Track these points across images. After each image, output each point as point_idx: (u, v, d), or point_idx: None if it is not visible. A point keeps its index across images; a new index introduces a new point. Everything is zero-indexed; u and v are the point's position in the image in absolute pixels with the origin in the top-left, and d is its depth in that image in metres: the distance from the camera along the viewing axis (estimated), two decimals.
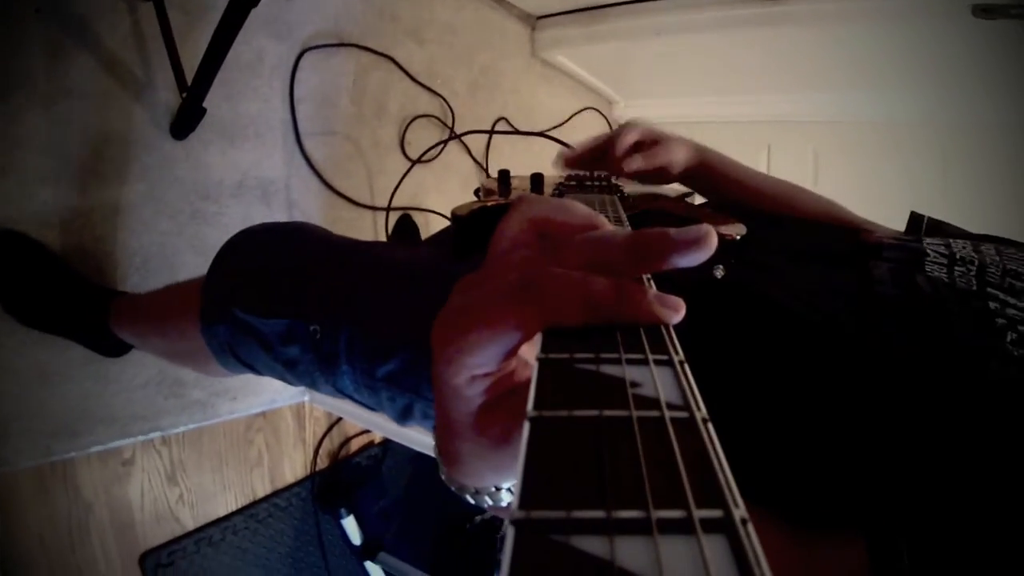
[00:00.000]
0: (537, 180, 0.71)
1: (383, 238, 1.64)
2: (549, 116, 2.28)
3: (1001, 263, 0.47)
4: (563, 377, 0.20)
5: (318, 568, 1.46)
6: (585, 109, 2.46)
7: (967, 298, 0.43)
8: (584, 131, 2.47)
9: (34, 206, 1.00)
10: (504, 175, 0.69)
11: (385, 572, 1.43)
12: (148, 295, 1.04)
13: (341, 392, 0.67)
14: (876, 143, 2.04)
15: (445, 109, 1.82)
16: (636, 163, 0.70)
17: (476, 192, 0.72)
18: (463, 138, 1.88)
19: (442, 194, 1.83)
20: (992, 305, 0.41)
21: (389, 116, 1.66)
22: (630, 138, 0.72)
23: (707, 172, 0.76)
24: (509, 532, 0.14)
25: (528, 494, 0.15)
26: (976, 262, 0.47)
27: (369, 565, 1.43)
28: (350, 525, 1.41)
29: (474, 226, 0.63)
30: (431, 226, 1.79)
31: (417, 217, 1.74)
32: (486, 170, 1.98)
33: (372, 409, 0.68)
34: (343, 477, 1.51)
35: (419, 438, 1.12)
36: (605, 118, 2.59)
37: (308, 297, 0.67)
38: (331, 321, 0.64)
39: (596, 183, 0.72)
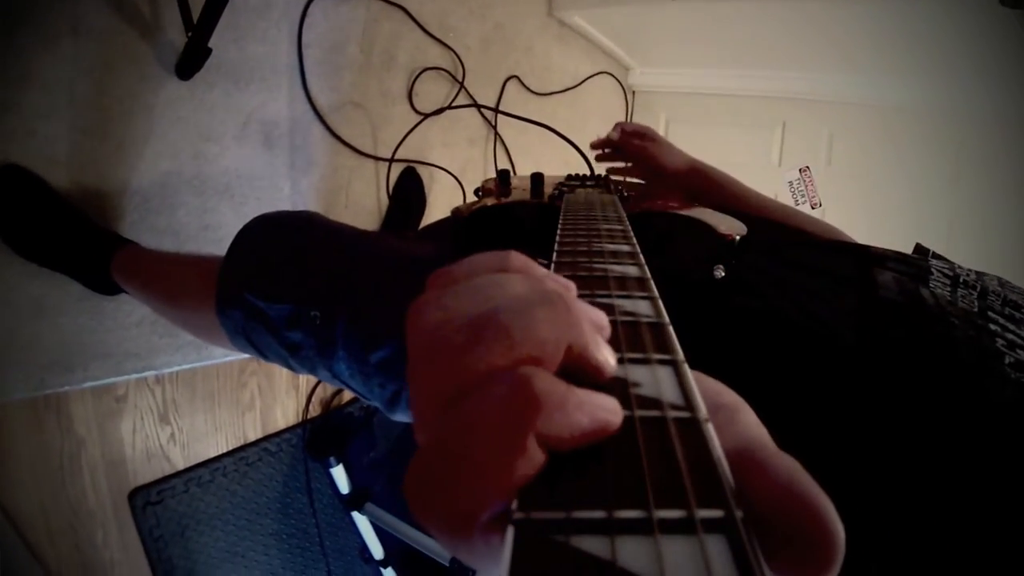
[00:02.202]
0: (537, 180, 0.70)
1: (384, 189, 1.62)
2: (562, 77, 2.23)
3: (1003, 293, 0.47)
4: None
5: (305, 514, 1.49)
6: (599, 73, 2.41)
7: (968, 316, 0.43)
8: (597, 96, 2.43)
9: (36, 142, 0.99)
10: (504, 175, 0.70)
11: (371, 523, 1.46)
12: (156, 258, 1.04)
13: (337, 378, 0.70)
14: (891, 129, 2.02)
15: (456, 63, 1.78)
16: (631, 139, 0.85)
17: (476, 192, 0.73)
18: (472, 93, 1.84)
19: (448, 149, 1.81)
20: (992, 327, 0.41)
21: (398, 67, 1.63)
22: (637, 128, 0.88)
23: (701, 180, 0.83)
24: (509, 532, 0.13)
25: (528, 494, 0.15)
26: (979, 287, 0.48)
27: (355, 515, 1.46)
28: (339, 474, 1.43)
29: (474, 226, 0.64)
30: (435, 182, 1.77)
31: (421, 171, 1.72)
32: (495, 128, 1.94)
33: (365, 397, 0.70)
34: (334, 426, 1.52)
35: None
36: (620, 84, 2.54)
37: (311, 284, 0.69)
38: (330, 307, 0.67)
39: (596, 183, 0.71)
